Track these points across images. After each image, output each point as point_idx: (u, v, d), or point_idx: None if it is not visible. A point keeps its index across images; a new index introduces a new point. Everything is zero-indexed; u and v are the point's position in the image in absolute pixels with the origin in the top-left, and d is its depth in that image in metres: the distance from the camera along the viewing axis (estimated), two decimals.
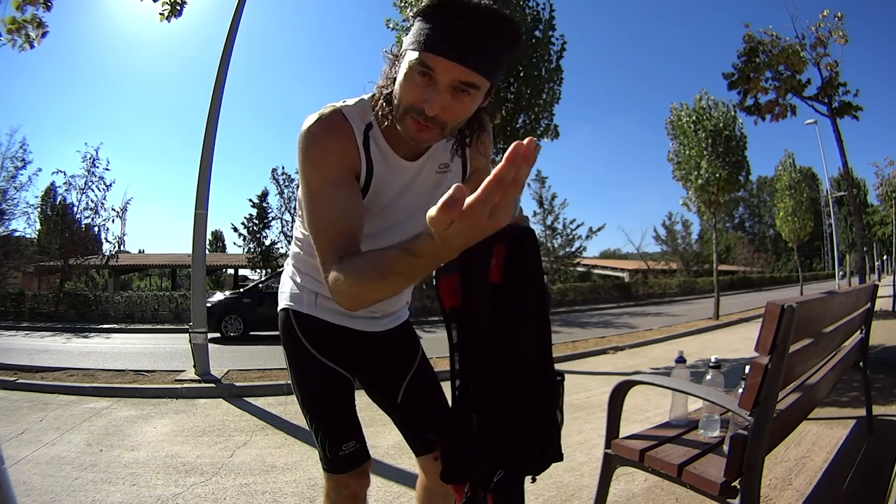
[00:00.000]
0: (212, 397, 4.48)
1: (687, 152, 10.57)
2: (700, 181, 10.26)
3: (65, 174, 16.01)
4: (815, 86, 7.95)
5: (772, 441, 1.36)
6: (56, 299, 13.85)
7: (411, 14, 0.89)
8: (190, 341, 5.20)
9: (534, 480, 1.03)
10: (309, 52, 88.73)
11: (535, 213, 23.15)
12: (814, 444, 2.62)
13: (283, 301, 1.24)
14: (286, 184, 18.20)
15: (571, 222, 23.21)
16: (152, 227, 65.28)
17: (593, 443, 2.85)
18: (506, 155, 0.52)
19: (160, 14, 4.96)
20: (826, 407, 3.17)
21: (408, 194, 1.04)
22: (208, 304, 9.97)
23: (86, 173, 16.11)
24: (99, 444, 3.07)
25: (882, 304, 8.06)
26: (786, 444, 2.40)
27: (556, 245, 23.31)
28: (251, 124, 76.20)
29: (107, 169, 16.45)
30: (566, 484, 2.30)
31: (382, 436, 2.90)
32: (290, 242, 1.27)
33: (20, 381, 4.82)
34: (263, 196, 18.65)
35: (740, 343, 6.84)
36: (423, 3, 0.83)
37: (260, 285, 10.71)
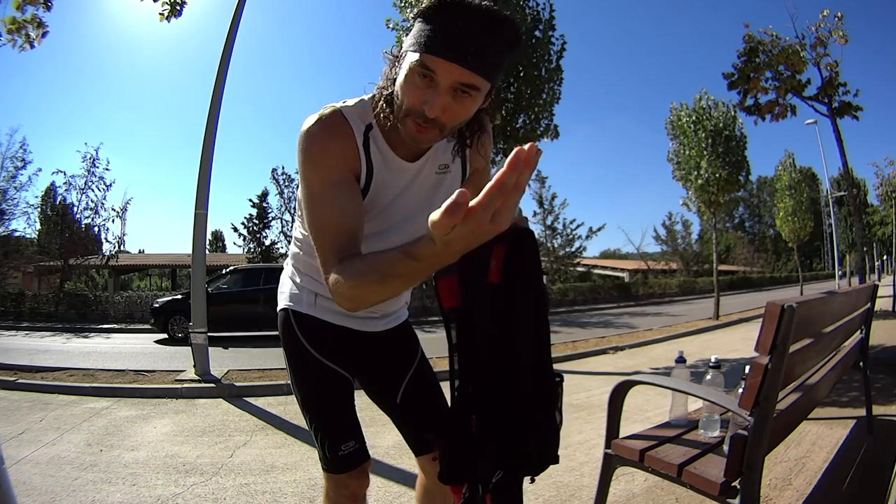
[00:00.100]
0: (212, 397, 4.48)
1: (687, 152, 10.57)
2: (700, 181, 10.26)
3: (65, 174, 16.02)
4: (815, 86, 7.96)
5: (772, 441, 1.36)
6: (56, 299, 13.84)
7: (412, 15, 0.89)
8: (190, 341, 5.21)
9: (532, 481, 1.03)
10: (309, 52, 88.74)
11: (535, 213, 23.20)
12: (814, 444, 2.62)
13: (283, 301, 1.24)
14: (286, 184, 18.22)
15: (571, 222, 23.28)
16: (152, 227, 65.20)
17: (593, 443, 2.86)
18: (507, 160, 0.52)
19: (160, 14, 4.96)
20: (826, 407, 3.17)
21: (408, 195, 1.04)
22: (156, 305, 10.06)
23: (86, 173, 16.11)
24: (99, 444, 3.07)
25: (882, 304, 8.06)
26: (786, 444, 2.40)
27: (556, 245, 23.33)
28: (251, 124, 76.18)
29: (107, 169, 16.44)
30: (566, 484, 2.31)
31: (382, 436, 2.90)
32: (290, 242, 1.27)
33: (20, 381, 4.82)
34: (263, 196, 18.68)
35: (740, 343, 6.84)
36: (423, 5, 0.84)
37: (206, 286, 10.67)
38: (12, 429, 3.36)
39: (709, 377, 1.66)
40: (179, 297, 10.33)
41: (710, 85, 32.50)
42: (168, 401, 4.36)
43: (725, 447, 1.44)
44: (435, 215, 0.55)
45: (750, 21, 7.96)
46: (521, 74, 5.78)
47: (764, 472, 1.27)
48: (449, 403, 1.05)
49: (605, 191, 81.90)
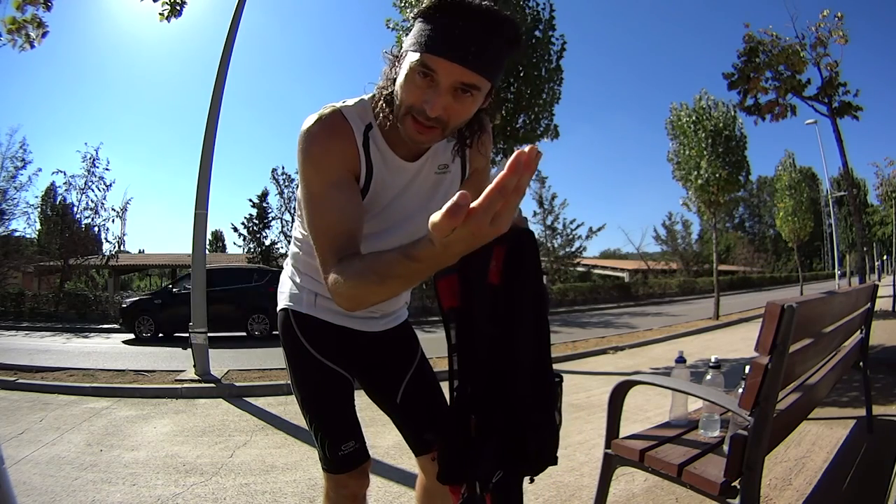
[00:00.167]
0: (212, 397, 4.48)
1: (687, 152, 10.57)
2: (700, 181, 10.26)
3: (65, 174, 16.03)
4: (815, 86, 7.95)
5: (772, 441, 1.36)
6: (56, 299, 13.85)
7: (412, 15, 0.89)
8: (190, 341, 5.21)
9: (532, 481, 1.03)
10: (309, 52, 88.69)
11: (535, 213, 23.21)
12: (814, 444, 2.62)
13: (283, 301, 1.24)
14: (286, 184, 18.20)
15: (571, 222, 23.27)
16: (152, 227, 65.25)
17: (593, 443, 2.86)
18: (508, 163, 0.52)
19: (160, 14, 4.96)
20: (826, 407, 3.17)
21: (407, 195, 1.04)
22: (124, 305, 10.09)
23: (86, 173, 16.12)
24: (99, 444, 3.07)
25: (882, 304, 8.05)
26: (786, 444, 2.40)
27: (556, 245, 23.33)
28: (251, 124, 76.21)
29: (107, 169, 16.44)
30: (566, 484, 2.31)
31: (382, 436, 2.90)
32: (289, 242, 1.27)
33: (20, 381, 4.82)
34: (263, 196, 18.66)
35: (740, 343, 6.84)
36: (423, 5, 0.84)
37: (171, 287, 10.72)
38: (12, 429, 3.36)
39: (709, 377, 1.66)
40: (146, 297, 10.38)
41: (710, 85, 32.56)
42: (168, 401, 4.36)
43: (725, 447, 1.44)
44: (435, 217, 0.55)
45: (750, 21, 7.97)
46: (521, 74, 5.78)
47: (764, 472, 1.27)
48: (448, 404, 1.05)
49: (605, 191, 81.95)
